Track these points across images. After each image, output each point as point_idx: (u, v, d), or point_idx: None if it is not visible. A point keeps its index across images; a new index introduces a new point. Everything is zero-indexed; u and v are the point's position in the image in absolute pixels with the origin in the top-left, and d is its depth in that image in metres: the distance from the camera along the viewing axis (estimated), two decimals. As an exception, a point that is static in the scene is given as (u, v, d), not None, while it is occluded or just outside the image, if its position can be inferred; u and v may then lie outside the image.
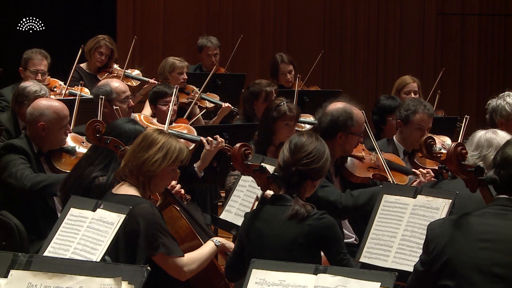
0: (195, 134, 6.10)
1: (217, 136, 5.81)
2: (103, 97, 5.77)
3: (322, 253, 3.77)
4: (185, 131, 6.14)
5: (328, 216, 3.73)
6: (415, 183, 4.97)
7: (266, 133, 5.67)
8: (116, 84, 5.94)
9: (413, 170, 5.20)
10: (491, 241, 3.09)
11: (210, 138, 5.77)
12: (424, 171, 5.08)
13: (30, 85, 5.99)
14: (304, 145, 3.77)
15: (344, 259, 3.71)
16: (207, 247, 4.12)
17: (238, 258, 3.88)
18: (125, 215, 3.64)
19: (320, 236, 3.68)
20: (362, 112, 5.06)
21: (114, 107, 5.78)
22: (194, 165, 5.75)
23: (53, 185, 4.93)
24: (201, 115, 7.70)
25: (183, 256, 3.96)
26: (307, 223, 3.67)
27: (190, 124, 6.50)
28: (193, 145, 5.94)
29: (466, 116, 5.93)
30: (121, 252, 3.87)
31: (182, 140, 5.92)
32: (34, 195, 5.00)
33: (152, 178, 3.99)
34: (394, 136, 5.76)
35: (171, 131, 5.89)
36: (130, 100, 5.95)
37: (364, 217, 4.72)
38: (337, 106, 5.02)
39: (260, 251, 3.65)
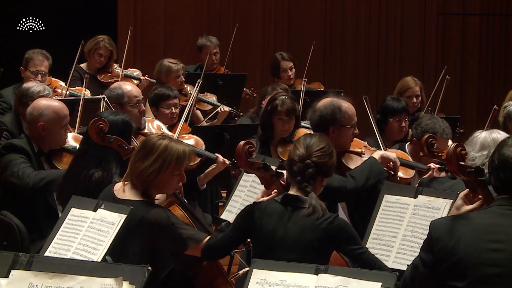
0: (203, 147, 5.99)
1: (219, 155, 5.72)
2: (105, 97, 5.75)
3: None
4: (192, 143, 6.03)
5: (340, 218, 3.76)
6: (427, 175, 4.97)
7: (264, 126, 5.68)
8: (128, 87, 5.84)
9: (428, 165, 5.16)
10: (503, 242, 3.07)
11: (221, 158, 5.66)
12: (435, 166, 5.07)
13: (34, 85, 5.96)
14: (316, 141, 3.87)
15: (363, 252, 3.73)
16: None
17: (232, 242, 3.89)
18: (126, 215, 3.64)
19: (336, 239, 3.70)
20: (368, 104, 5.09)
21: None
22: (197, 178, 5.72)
23: (55, 181, 4.95)
24: (202, 114, 7.71)
25: (208, 236, 4.00)
26: (322, 227, 3.68)
27: (192, 126, 6.48)
28: (199, 159, 5.87)
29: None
30: (133, 254, 3.85)
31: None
32: (37, 193, 5.01)
33: (150, 186, 3.98)
34: (406, 145, 5.70)
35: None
36: (142, 104, 5.83)
37: (364, 217, 4.73)
38: (324, 101, 5.04)
39: (271, 251, 3.65)
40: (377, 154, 4.92)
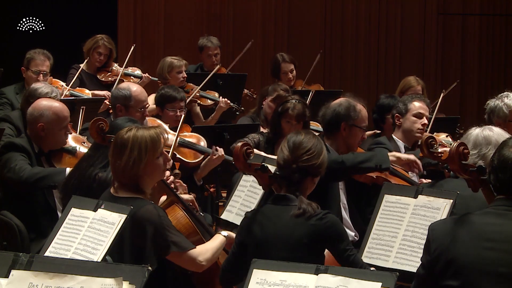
0: (205, 144, 5.99)
1: (218, 147, 5.80)
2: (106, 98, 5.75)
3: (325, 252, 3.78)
4: (194, 140, 6.06)
5: (331, 215, 3.74)
6: None
7: (273, 127, 5.71)
8: (137, 91, 5.75)
9: (420, 180, 5.21)
10: (496, 241, 3.07)
11: (216, 148, 5.75)
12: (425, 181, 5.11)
13: (42, 86, 5.92)
14: (302, 142, 3.80)
15: (351, 255, 3.71)
16: (217, 239, 4.12)
17: (237, 260, 3.84)
18: (126, 215, 3.64)
19: (325, 236, 3.68)
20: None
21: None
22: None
23: (48, 177, 4.98)
24: (201, 112, 7.71)
25: (195, 247, 3.96)
26: (311, 223, 3.67)
27: (193, 126, 6.47)
28: (202, 156, 5.87)
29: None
30: (126, 254, 3.85)
31: (187, 149, 5.89)
32: (29, 187, 5.01)
33: (139, 178, 3.96)
34: (393, 134, 5.79)
35: (182, 140, 5.87)
36: (146, 110, 5.79)
37: (364, 217, 4.73)
38: (340, 99, 5.14)
39: (264, 251, 3.64)
40: (392, 153, 4.99)
